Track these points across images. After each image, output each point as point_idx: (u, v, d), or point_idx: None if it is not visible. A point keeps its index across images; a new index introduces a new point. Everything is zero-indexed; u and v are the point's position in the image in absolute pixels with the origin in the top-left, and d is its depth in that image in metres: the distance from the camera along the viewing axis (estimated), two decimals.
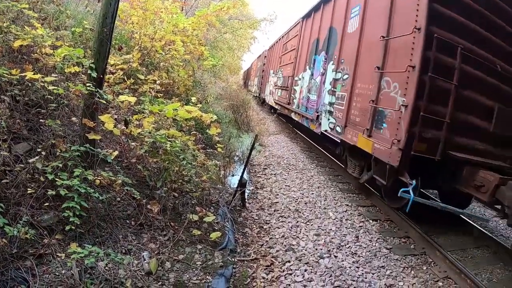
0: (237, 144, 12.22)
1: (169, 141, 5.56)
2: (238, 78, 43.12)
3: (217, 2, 23.61)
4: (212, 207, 6.48)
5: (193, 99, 7.40)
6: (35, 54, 6.26)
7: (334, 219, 7.08)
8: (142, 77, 8.45)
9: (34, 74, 5.35)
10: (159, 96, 8.12)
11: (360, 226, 6.82)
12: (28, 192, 4.59)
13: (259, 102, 30.42)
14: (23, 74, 5.39)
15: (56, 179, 4.55)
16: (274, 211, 7.25)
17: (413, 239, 6.46)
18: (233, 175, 9.74)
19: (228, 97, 17.60)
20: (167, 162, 5.75)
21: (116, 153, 5.46)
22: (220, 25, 24.57)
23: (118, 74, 7.77)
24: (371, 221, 7.11)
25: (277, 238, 6.10)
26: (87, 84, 5.11)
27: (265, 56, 26.53)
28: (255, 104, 24.59)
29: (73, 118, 6.17)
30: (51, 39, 6.38)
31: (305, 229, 6.53)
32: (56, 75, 5.83)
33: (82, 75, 6.60)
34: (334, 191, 8.74)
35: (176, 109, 5.84)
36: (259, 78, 29.01)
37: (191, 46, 10.77)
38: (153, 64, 10.05)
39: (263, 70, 26.74)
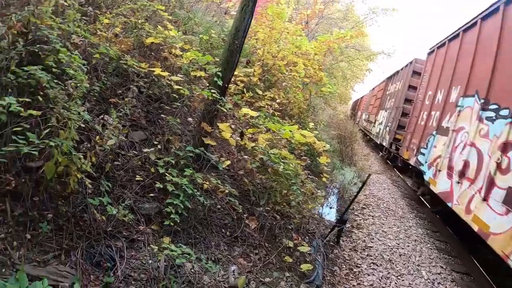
0: (339, 176, 11.94)
1: (283, 162, 5.51)
2: (346, 108, 42.02)
3: (334, 28, 23.62)
4: (307, 237, 6.33)
5: (311, 124, 7.35)
6: (164, 53, 6.60)
7: (427, 279, 6.58)
8: (260, 92, 8.57)
9: (162, 71, 5.63)
10: (276, 114, 8.17)
11: None
12: (136, 179, 4.80)
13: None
14: (152, 69, 5.71)
15: (166, 174, 4.69)
16: (367, 255, 6.92)
17: None
18: (330, 207, 9.50)
19: (336, 126, 17.40)
20: (275, 182, 5.70)
21: (228, 162, 5.54)
22: (337, 53, 24.38)
23: (239, 86, 7.95)
24: None
25: (365, 285, 5.79)
26: (212, 91, 5.25)
27: (427, 70, 13.23)
28: (360, 138, 22.70)
29: (189, 119, 6.39)
30: (181, 42, 6.70)
31: (396, 283, 6.14)
32: (181, 76, 6.07)
33: (204, 80, 6.84)
34: (431, 249, 8.15)
35: (292, 131, 5.82)
36: (395, 113, 16.60)
37: (312, 70, 10.78)
38: (270, 81, 10.18)
39: (413, 100, 14.43)
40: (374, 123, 23.02)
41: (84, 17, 5.76)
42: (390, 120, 17.43)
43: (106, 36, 5.80)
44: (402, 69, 18.42)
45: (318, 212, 8.40)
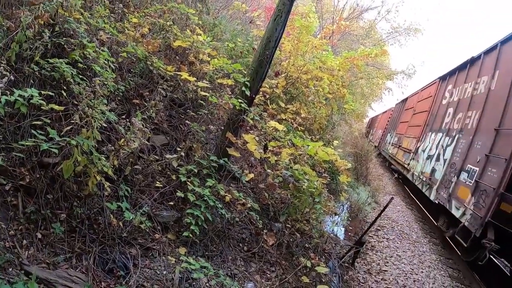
0: (354, 195, 11.74)
1: (306, 179, 5.35)
2: (362, 126, 41.37)
3: (356, 44, 23.52)
4: (323, 257, 6.16)
5: (335, 142, 7.22)
6: (191, 57, 6.50)
7: None
8: (283, 105, 8.45)
9: (189, 76, 5.53)
10: (300, 129, 8.03)
11: None
12: (156, 185, 4.68)
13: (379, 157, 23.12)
14: (178, 73, 5.62)
15: (188, 182, 4.56)
16: (382, 279, 6.78)
17: None
18: (344, 226, 9.33)
19: (352, 144, 17.10)
20: (297, 199, 5.54)
21: (252, 175, 5.41)
22: (361, 70, 24.07)
23: (266, 97, 7.87)
24: None
25: None
26: (239, 100, 5.13)
27: None
28: (374, 157, 21.55)
29: (211, 127, 6.27)
30: (209, 48, 6.62)
31: None
32: (207, 82, 5.98)
33: (227, 89, 6.73)
34: (444, 276, 7.93)
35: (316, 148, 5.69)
36: (492, 145, 7.65)
37: (335, 86, 10.65)
38: (291, 94, 10.06)
39: None
40: (415, 153, 13.99)
41: (112, 14, 5.72)
42: (471, 158, 8.60)
43: (133, 36, 5.73)
44: (489, 51, 9.81)
45: (332, 230, 8.25)
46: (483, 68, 9.83)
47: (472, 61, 10.89)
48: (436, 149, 11.49)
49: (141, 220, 4.12)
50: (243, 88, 5.33)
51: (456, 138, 10.02)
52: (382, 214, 7.10)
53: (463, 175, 8.55)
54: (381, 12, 27.19)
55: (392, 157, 18.78)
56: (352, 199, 11.27)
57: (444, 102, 12.64)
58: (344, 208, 10.81)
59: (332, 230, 8.15)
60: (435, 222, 11.11)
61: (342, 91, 11.07)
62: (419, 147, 13.68)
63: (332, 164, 6.74)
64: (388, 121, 25.08)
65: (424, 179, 11.61)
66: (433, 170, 11.00)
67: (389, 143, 21.04)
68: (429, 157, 11.94)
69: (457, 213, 8.15)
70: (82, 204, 3.95)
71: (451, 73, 12.83)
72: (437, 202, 9.76)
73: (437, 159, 11.04)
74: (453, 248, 9.44)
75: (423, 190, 11.41)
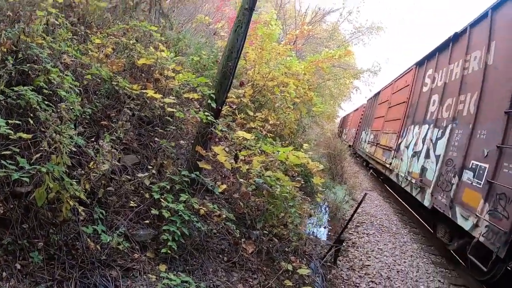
0: (331, 195, 11.87)
1: (279, 185, 5.43)
2: (334, 126, 41.69)
3: (320, 47, 23.84)
4: (304, 259, 6.23)
5: (305, 145, 7.33)
6: (156, 75, 6.53)
7: None
8: (252, 113, 8.53)
9: (154, 93, 5.56)
10: (269, 136, 8.11)
11: None
12: (130, 205, 4.68)
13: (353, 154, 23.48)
14: (144, 91, 5.64)
15: (161, 199, 4.58)
16: (365, 274, 6.86)
17: None
18: (325, 227, 9.41)
19: (326, 145, 17.27)
20: (272, 205, 5.61)
21: (224, 186, 5.45)
22: (326, 72, 24.35)
23: (232, 108, 7.93)
24: None
25: None
26: (206, 113, 5.19)
27: None
28: (349, 156, 21.77)
29: (182, 142, 6.30)
30: (173, 63, 6.66)
31: None
32: (173, 97, 6.01)
33: (195, 102, 6.78)
34: (427, 263, 8.09)
35: (286, 153, 5.76)
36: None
37: (302, 90, 10.80)
38: (260, 102, 10.16)
39: None
40: (396, 150, 12.49)
41: (74, 37, 5.70)
42: (474, 152, 6.96)
43: (97, 57, 5.72)
44: (476, 22, 8.41)
45: (312, 232, 8.33)
46: (472, 43, 8.34)
47: (455, 37, 9.43)
48: (423, 144, 9.88)
49: (119, 241, 4.12)
50: (209, 101, 5.39)
51: (448, 129, 8.40)
52: (359, 210, 7.23)
53: (467, 175, 6.95)
54: (343, 14, 27.55)
55: (370, 156, 17.15)
56: (330, 199, 11.40)
57: (425, 89, 11.03)
58: (322, 209, 10.92)
59: (312, 232, 8.24)
60: (428, 227, 10.17)
61: (309, 94, 11.23)
62: (400, 143, 12.08)
63: (305, 167, 6.83)
64: (361, 118, 23.90)
65: (413, 180, 9.89)
66: (423, 169, 9.37)
67: (365, 141, 19.55)
68: (416, 154, 10.28)
69: (465, 225, 6.46)
70: (58, 230, 3.92)
71: (429, 57, 11.32)
72: (430, 208, 8.34)
73: (427, 156, 9.38)
74: (456, 259, 8.32)
75: (414, 194, 9.65)
